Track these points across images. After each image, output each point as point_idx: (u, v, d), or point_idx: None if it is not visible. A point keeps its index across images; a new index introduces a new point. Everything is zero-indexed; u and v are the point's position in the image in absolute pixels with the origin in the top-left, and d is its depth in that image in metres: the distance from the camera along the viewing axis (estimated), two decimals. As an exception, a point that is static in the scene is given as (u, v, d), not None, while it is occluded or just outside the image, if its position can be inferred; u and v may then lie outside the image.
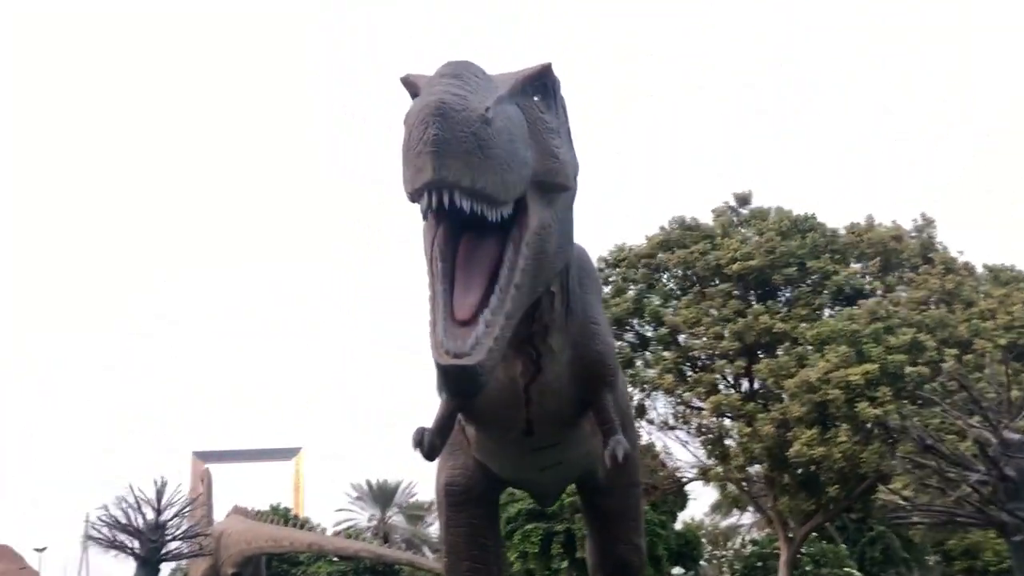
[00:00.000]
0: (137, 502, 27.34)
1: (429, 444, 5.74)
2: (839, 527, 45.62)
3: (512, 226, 4.16)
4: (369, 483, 58.83)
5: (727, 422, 26.60)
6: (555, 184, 4.49)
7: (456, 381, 3.97)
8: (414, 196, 3.77)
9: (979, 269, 26.06)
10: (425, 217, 4.11)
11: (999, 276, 25.45)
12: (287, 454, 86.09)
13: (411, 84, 4.28)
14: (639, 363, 27.21)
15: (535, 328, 5.58)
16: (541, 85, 4.55)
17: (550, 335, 5.83)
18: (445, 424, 6.10)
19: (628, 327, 27.39)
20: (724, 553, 53.24)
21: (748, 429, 24.30)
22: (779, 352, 25.30)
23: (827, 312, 25.91)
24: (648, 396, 27.62)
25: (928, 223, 25.93)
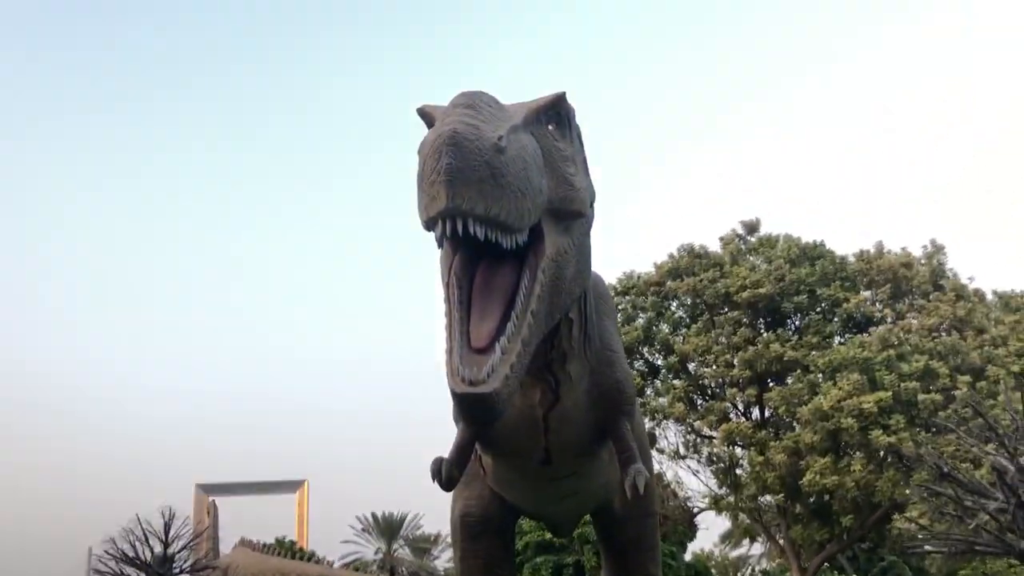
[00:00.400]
0: (144, 534, 27.18)
1: (447, 474, 5.64)
2: (850, 557, 45.13)
3: (528, 253, 4.18)
4: (375, 515, 58.43)
5: (738, 451, 26.42)
6: (571, 211, 4.55)
7: (472, 409, 3.94)
8: (429, 224, 3.80)
9: (989, 295, 25.98)
10: (440, 245, 4.14)
11: (1009, 303, 25.32)
12: (291, 486, 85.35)
13: (427, 115, 4.36)
14: (649, 392, 27.09)
15: (553, 355, 5.51)
16: (555, 114, 4.60)
17: (569, 362, 5.73)
18: (463, 454, 5.96)
19: (638, 355, 27.29)
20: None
21: (760, 458, 24.11)
22: (790, 380, 25.19)
23: (837, 340, 25.82)
24: (659, 425, 27.47)
25: (938, 250, 25.89)
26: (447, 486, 5.91)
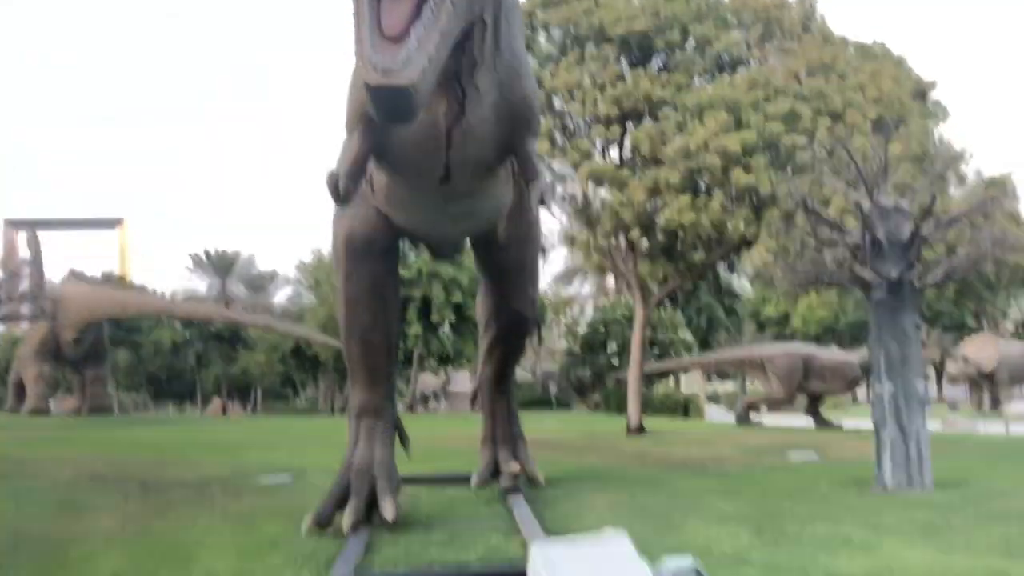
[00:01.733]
0: (-34, 262, 25.10)
1: (344, 188, 5.56)
2: (671, 299, 48.65)
3: None
4: (208, 252, 57.13)
5: (596, 188, 26.56)
6: None
7: (388, 104, 3.60)
8: None
9: (850, 49, 26.44)
10: None
11: (867, 52, 25.95)
12: (108, 224, 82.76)
13: None
14: (513, 128, 26.40)
15: (463, 63, 5.35)
16: None
17: (477, 72, 5.59)
18: (358, 167, 5.92)
19: (505, 89, 26.32)
20: (564, 319, 56.18)
21: (620, 196, 24.39)
22: (648, 122, 25.13)
23: (699, 80, 25.68)
24: (517, 163, 27.08)
25: (811, -6, 25.83)
26: (344, 200, 5.84)
